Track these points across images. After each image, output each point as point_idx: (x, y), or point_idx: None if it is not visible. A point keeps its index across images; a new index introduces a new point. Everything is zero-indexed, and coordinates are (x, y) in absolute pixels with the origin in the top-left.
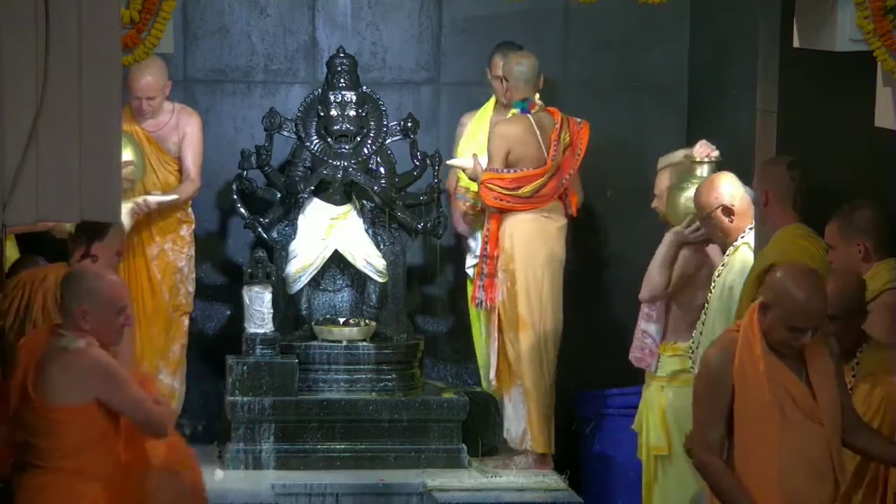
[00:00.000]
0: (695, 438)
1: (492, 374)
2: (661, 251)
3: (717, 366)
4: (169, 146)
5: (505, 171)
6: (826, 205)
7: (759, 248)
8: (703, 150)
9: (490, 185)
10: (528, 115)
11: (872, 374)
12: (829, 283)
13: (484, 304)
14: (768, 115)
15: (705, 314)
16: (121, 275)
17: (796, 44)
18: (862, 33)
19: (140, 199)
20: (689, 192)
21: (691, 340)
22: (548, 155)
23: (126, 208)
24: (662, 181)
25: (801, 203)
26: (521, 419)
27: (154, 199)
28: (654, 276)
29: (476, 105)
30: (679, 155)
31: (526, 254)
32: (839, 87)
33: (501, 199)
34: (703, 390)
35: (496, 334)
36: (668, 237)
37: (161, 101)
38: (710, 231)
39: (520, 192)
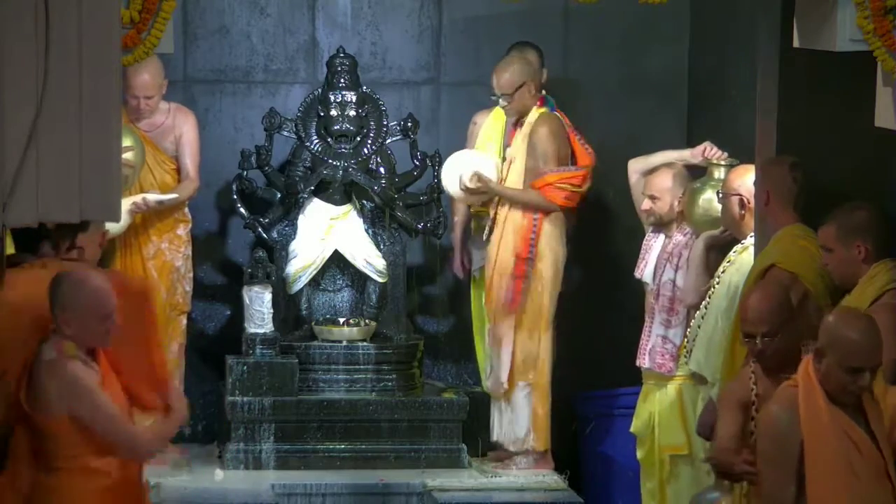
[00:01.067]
0: (766, 498)
1: (504, 377)
2: (696, 257)
3: (784, 424)
4: (166, 146)
5: (570, 168)
6: (826, 205)
7: (759, 248)
8: (716, 151)
9: (561, 185)
10: (556, 112)
11: None
12: (752, 298)
13: (518, 304)
14: (768, 115)
15: (706, 309)
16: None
17: (796, 44)
18: (862, 33)
19: (139, 198)
20: (707, 195)
21: (686, 337)
22: (576, 152)
23: (125, 206)
24: (663, 182)
25: (803, 204)
26: (525, 419)
27: (153, 197)
28: (698, 282)
29: (478, 104)
30: (669, 156)
31: (553, 253)
32: (839, 87)
33: (570, 199)
34: (772, 449)
35: (511, 335)
36: (699, 242)
37: (158, 101)
38: (722, 211)
39: (583, 188)
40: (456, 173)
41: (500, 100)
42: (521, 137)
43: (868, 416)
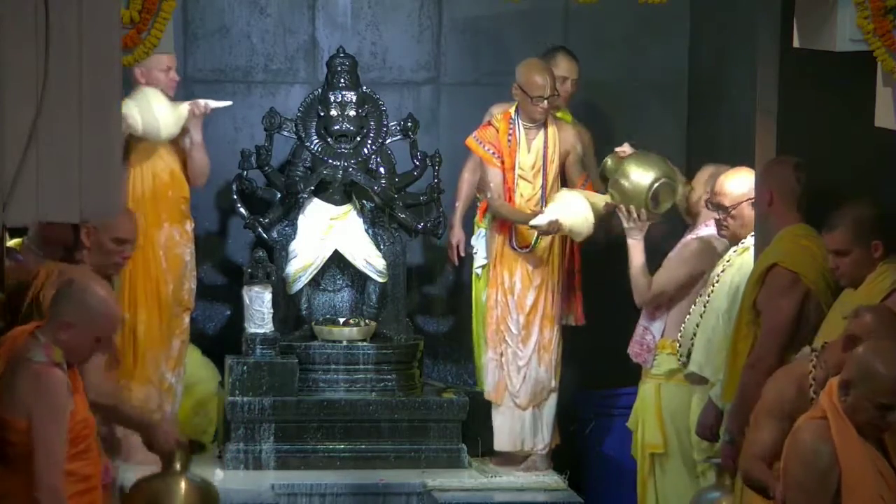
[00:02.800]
0: None
1: (554, 382)
2: (632, 254)
3: (825, 458)
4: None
5: None
6: (826, 205)
7: (759, 249)
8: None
9: None
10: None
11: None
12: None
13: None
14: (768, 115)
15: (704, 307)
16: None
17: (796, 44)
18: (862, 33)
19: (198, 101)
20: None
21: (679, 335)
22: None
23: (183, 109)
24: (700, 176)
25: (806, 204)
26: (552, 423)
27: (213, 103)
28: (637, 281)
29: (478, 104)
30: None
31: None
32: (839, 87)
33: None
34: (812, 482)
35: (556, 340)
36: (629, 239)
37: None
38: (730, 224)
39: None
40: (588, 210)
41: (546, 101)
42: (551, 141)
43: (888, 448)
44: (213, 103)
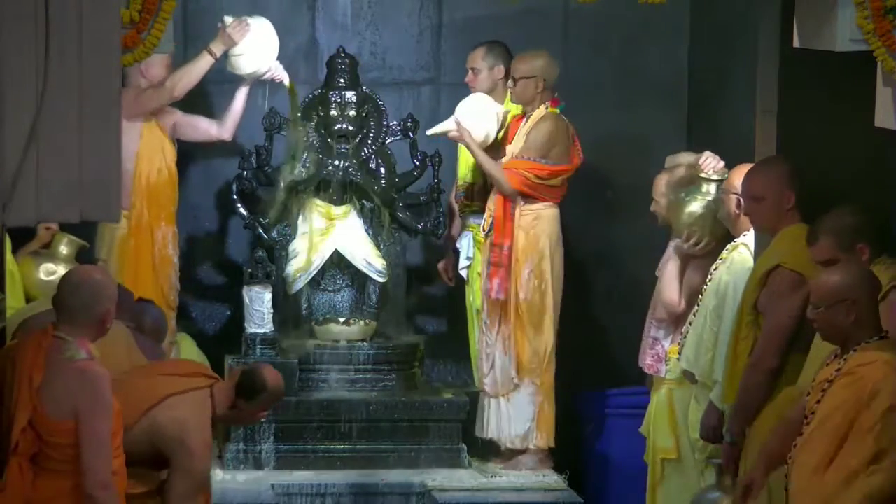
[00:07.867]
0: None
1: (514, 374)
2: (669, 266)
3: None
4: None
5: (541, 161)
6: (827, 205)
7: (759, 252)
8: (712, 163)
9: (524, 172)
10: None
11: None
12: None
13: (499, 294)
14: (768, 115)
15: (698, 306)
16: (129, 253)
17: (796, 44)
18: (862, 33)
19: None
20: (692, 207)
21: (672, 340)
22: (574, 153)
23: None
24: (659, 185)
25: (799, 201)
26: (526, 419)
27: (285, 80)
28: (668, 292)
29: None
30: (685, 158)
31: (556, 249)
32: (839, 87)
33: (528, 187)
34: None
35: (515, 333)
36: (672, 253)
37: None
38: (721, 207)
39: (551, 181)
40: (460, 110)
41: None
42: (523, 132)
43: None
44: (286, 80)
